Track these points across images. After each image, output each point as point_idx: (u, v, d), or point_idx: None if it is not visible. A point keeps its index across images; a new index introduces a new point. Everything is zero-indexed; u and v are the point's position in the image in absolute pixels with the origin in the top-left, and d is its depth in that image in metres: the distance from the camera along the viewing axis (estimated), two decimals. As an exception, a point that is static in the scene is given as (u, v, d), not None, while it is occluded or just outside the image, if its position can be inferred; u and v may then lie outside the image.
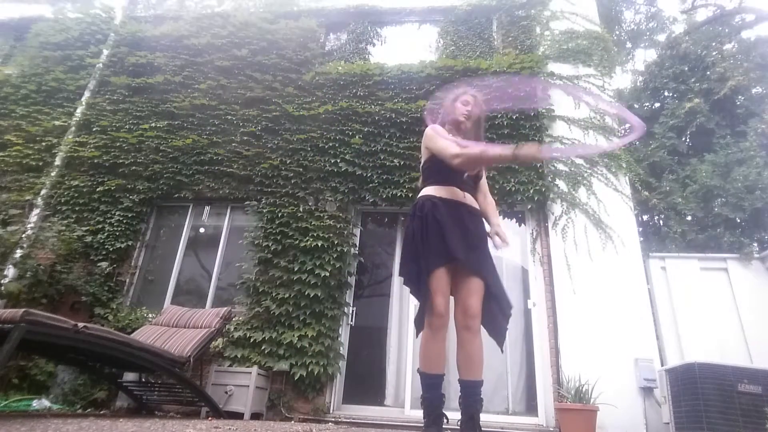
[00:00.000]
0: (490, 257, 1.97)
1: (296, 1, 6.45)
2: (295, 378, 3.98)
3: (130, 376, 3.83)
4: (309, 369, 3.98)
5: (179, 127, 5.41)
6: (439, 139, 1.95)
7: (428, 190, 2.00)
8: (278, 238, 4.63)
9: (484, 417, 1.91)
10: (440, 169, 1.98)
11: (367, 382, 4.37)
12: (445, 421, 1.84)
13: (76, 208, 5.07)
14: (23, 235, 4.60)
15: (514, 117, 4.86)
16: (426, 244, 1.84)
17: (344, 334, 4.40)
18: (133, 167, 5.21)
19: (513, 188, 4.56)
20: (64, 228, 4.71)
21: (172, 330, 3.69)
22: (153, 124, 5.46)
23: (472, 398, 1.82)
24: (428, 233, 1.85)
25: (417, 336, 1.95)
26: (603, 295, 4.10)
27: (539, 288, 4.33)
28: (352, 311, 4.51)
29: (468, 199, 2.02)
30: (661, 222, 6.96)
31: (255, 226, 4.78)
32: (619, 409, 3.51)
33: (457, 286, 1.91)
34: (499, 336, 1.93)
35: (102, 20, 6.54)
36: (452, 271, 1.88)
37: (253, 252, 4.65)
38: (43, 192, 5.15)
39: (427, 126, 2.10)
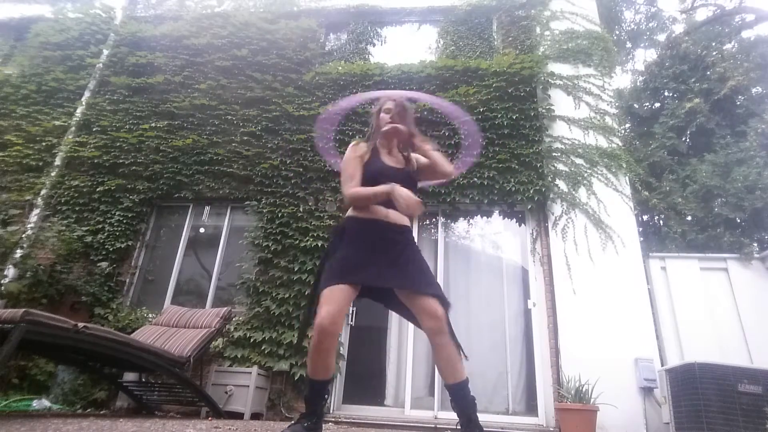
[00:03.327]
0: (421, 270, 1.89)
1: (296, 1, 6.44)
2: (295, 378, 3.99)
3: (130, 376, 3.83)
4: (309, 369, 3.98)
5: (179, 127, 5.41)
6: (343, 173, 1.97)
7: (350, 211, 1.99)
8: (278, 238, 4.63)
9: (484, 417, 1.89)
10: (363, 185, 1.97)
11: (367, 382, 4.36)
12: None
13: (76, 208, 5.07)
14: (23, 235, 4.60)
15: (514, 117, 4.86)
16: (328, 262, 1.87)
17: (344, 334, 4.40)
18: (133, 167, 5.21)
19: (513, 188, 4.56)
20: (64, 228, 4.71)
21: (172, 330, 3.69)
22: (153, 124, 5.45)
23: (464, 399, 1.81)
24: (334, 253, 1.88)
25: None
26: (603, 295, 4.11)
27: (539, 288, 4.33)
28: (353, 311, 4.50)
29: (392, 216, 1.93)
30: (661, 222, 6.97)
31: (255, 226, 4.78)
32: (619, 409, 3.52)
33: (410, 304, 1.86)
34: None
35: (102, 20, 6.54)
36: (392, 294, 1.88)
37: (253, 252, 4.65)
38: (43, 192, 5.15)
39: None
